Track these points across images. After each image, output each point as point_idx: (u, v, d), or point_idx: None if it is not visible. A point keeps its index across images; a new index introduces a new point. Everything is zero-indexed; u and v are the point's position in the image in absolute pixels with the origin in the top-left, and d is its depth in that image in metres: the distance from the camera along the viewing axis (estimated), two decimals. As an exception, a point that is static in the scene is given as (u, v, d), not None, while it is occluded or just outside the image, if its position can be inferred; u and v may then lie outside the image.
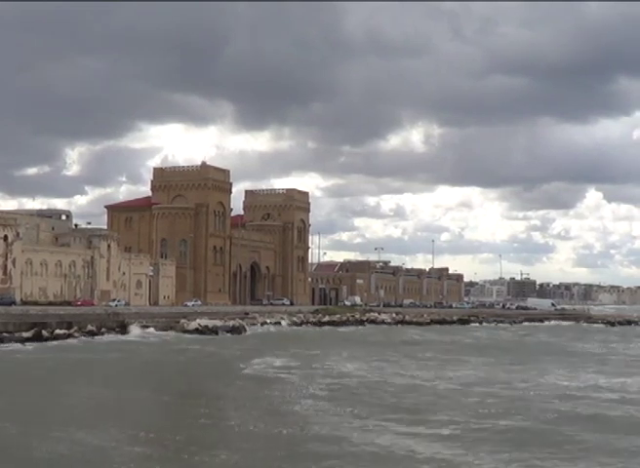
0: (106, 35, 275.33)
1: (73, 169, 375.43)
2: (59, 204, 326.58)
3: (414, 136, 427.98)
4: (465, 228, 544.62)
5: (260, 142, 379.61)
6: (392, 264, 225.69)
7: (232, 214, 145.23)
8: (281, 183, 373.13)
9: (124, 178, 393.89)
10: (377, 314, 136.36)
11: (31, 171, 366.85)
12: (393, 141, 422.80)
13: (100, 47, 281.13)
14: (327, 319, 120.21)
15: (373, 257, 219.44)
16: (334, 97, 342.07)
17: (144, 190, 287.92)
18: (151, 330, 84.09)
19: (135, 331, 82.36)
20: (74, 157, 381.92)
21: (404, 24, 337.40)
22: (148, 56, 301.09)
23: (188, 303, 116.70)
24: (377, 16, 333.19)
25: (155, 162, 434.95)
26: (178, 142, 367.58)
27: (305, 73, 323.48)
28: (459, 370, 53.96)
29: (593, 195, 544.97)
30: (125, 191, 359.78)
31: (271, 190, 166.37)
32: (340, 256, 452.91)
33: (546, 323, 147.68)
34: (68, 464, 24.70)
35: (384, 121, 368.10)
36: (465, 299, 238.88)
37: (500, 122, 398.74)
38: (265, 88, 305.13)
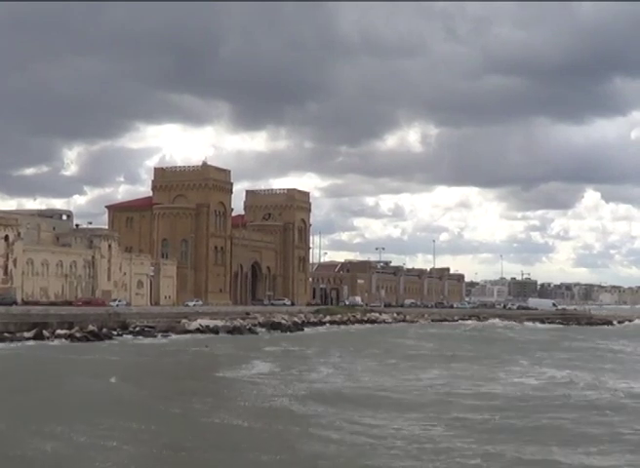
0: (102, 35, 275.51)
1: (71, 169, 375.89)
2: (57, 204, 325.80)
3: (411, 137, 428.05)
4: (465, 228, 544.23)
5: (256, 142, 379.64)
6: (393, 264, 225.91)
7: (232, 214, 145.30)
8: (279, 183, 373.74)
9: (122, 178, 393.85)
10: (377, 314, 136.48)
11: (29, 171, 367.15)
12: (390, 141, 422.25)
13: (96, 47, 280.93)
14: (328, 319, 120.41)
15: (373, 257, 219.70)
16: (329, 97, 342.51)
17: (143, 190, 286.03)
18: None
19: None
20: (72, 157, 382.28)
21: (397, 25, 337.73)
22: (144, 55, 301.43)
23: (189, 303, 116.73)
24: (370, 16, 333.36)
25: (153, 162, 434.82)
26: (175, 142, 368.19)
27: (300, 73, 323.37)
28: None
29: (591, 195, 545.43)
30: (123, 191, 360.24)
31: (272, 190, 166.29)
32: (339, 256, 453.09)
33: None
34: (55, 462, 24.93)
35: (381, 121, 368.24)
36: (466, 299, 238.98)
37: (497, 122, 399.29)
38: (261, 88, 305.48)
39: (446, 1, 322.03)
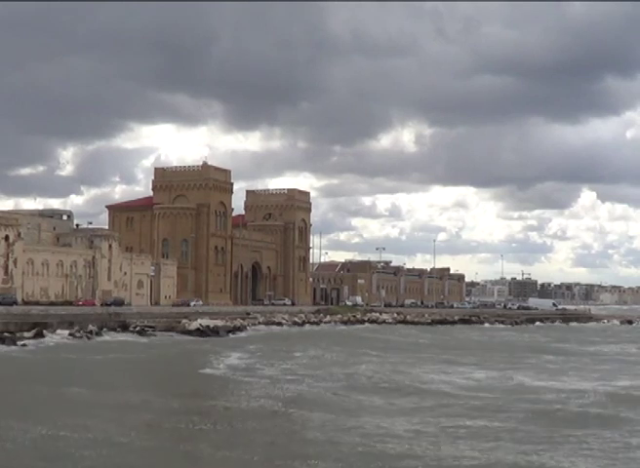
0: (96, 35, 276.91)
1: (67, 169, 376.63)
2: (54, 203, 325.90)
3: (405, 136, 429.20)
4: (462, 228, 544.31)
5: (251, 142, 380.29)
6: (393, 264, 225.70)
7: (232, 214, 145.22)
8: (275, 183, 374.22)
9: (117, 178, 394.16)
10: (378, 314, 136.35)
11: (25, 171, 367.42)
12: (384, 141, 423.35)
13: (90, 47, 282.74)
14: (328, 319, 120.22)
15: (372, 257, 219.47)
16: (322, 96, 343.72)
17: (139, 190, 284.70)
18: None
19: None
20: (67, 157, 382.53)
21: (388, 24, 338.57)
22: (137, 55, 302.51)
23: (190, 303, 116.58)
24: (360, 15, 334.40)
25: (149, 162, 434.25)
26: (170, 142, 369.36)
27: (293, 73, 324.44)
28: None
29: (587, 195, 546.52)
30: (120, 191, 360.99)
31: (272, 190, 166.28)
32: (338, 256, 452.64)
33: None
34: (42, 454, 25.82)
35: (374, 121, 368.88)
36: (467, 299, 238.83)
37: (490, 121, 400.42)
38: (254, 87, 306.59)
39: (436, 1, 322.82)
